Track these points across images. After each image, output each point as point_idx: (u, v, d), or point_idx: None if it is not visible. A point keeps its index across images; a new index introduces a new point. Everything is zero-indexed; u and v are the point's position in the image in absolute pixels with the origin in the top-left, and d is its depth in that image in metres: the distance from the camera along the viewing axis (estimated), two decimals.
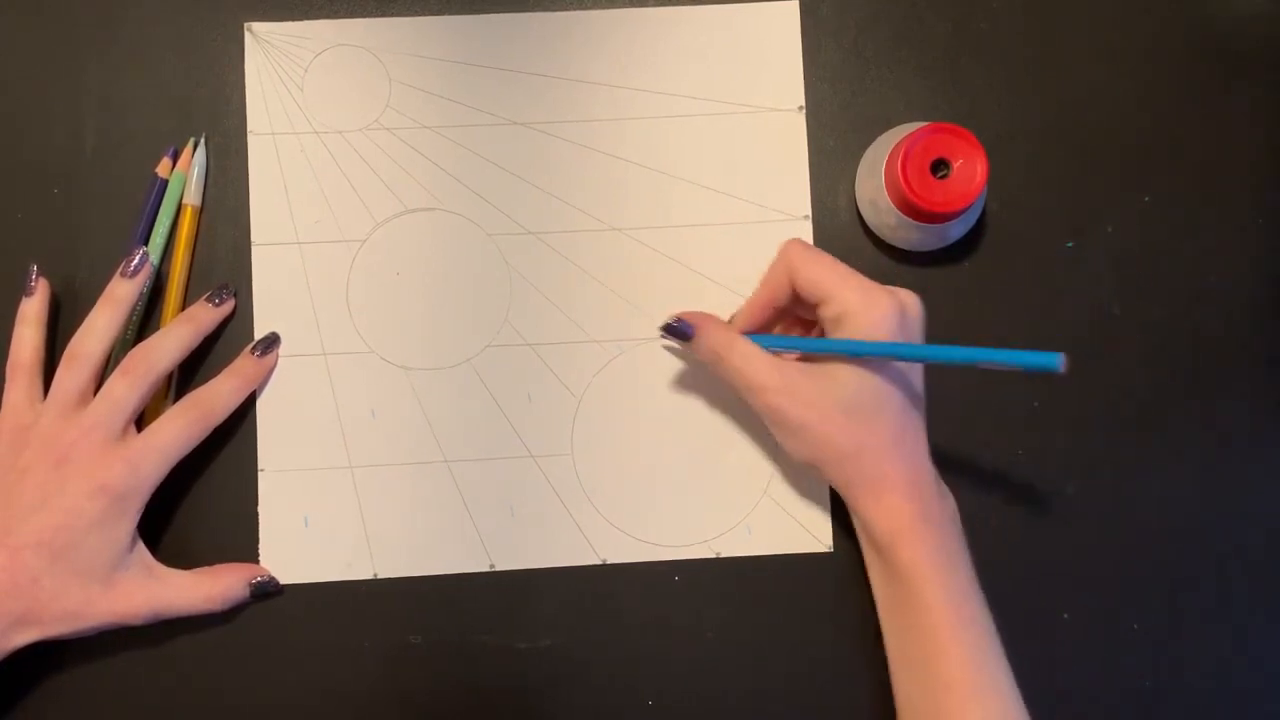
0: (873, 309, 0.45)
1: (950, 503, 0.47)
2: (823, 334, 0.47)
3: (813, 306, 0.47)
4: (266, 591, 0.50)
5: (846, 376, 0.45)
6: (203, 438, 0.49)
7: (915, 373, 0.47)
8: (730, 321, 0.50)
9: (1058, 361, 0.41)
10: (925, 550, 0.45)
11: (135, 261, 0.49)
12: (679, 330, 0.49)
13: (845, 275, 0.46)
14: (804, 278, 0.46)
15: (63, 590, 0.46)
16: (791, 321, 0.51)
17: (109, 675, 0.50)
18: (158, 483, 0.48)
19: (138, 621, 0.48)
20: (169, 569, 0.49)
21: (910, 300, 0.46)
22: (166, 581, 0.48)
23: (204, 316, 0.51)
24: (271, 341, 0.52)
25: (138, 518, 0.47)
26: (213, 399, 0.49)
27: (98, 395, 0.47)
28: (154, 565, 0.49)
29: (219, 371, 0.51)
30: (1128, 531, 0.52)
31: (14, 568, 0.45)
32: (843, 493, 0.47)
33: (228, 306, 0.51)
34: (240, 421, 0.51)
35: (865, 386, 0.45)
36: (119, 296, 0.49)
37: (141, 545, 0.48)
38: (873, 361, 0.45)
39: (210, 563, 0.50)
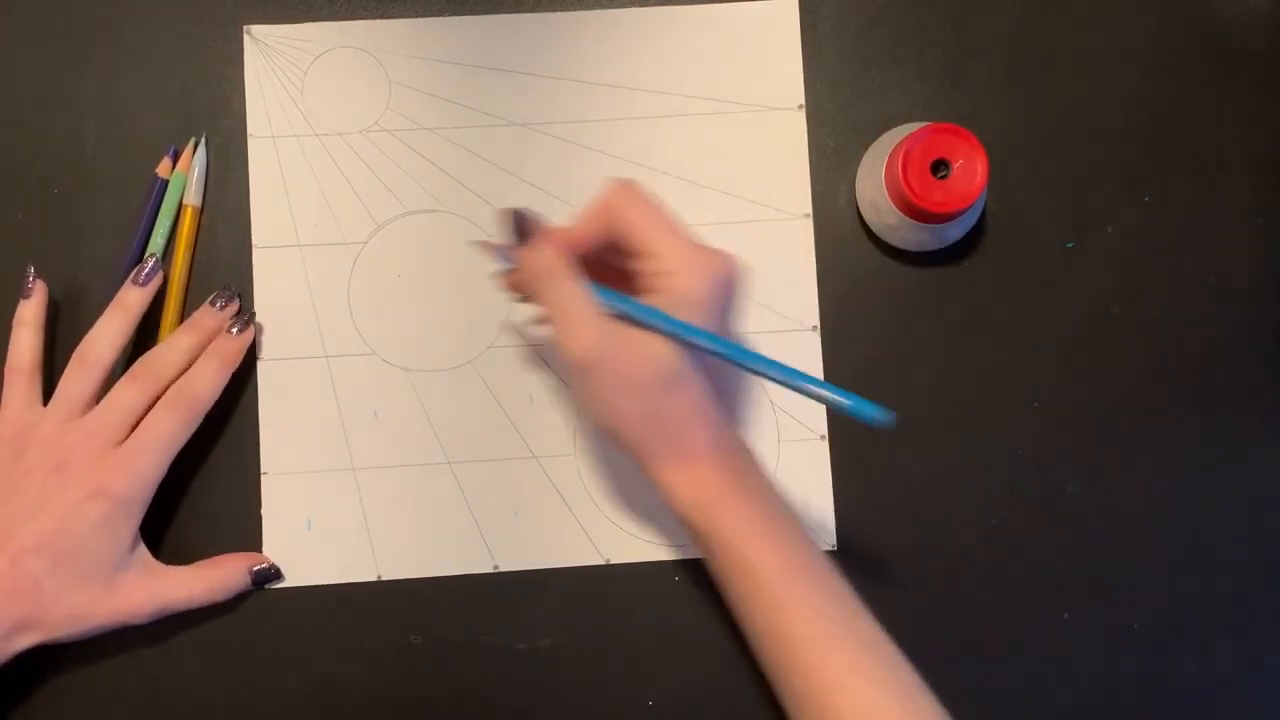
0: (697, 275, 0.42)
1: (764, 468, 0.45)
2: (633, 286, 0.44)
3: (629, 255, 0.44)
4: (268, 578, 0.50)
5: (661, 347, 0.42)
6: (194, 428, 0.48)
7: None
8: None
9: (887, 418, 0.41)
10: (741, 512, 0.43)
11: (147, 269, 0.49)
12: (521, 225, 0.44)
13: (670, 230, 0.43)
14: (626, 225, 0.43)
15: (64, 593, 0.46)
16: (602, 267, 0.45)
17: (110, 675, 0.50)
18: (158, 480, 0.48)
19: (142, 620, 0.48)
20: (169, 566, 0.49)
21: (736, 268, 0.43)
22: (168, 577, 0.49)
23: (210, 324, 0.50)
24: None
25: (140, 519, 0.47)
26: (196, 386, 0.49)
27: (106, 400, 0.48)
28: (154, 563, 0.49)
29: None
30: (1128, 531, 0.52)
31: (15, 572, 0.45)
32: (644, 466, 0.44)
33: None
34: (242, 425, 0.51)
35: (676, 357, 0.42)
36: (129, 303, 0.49)
37: (142, 545, 0.48)
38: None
39: None
